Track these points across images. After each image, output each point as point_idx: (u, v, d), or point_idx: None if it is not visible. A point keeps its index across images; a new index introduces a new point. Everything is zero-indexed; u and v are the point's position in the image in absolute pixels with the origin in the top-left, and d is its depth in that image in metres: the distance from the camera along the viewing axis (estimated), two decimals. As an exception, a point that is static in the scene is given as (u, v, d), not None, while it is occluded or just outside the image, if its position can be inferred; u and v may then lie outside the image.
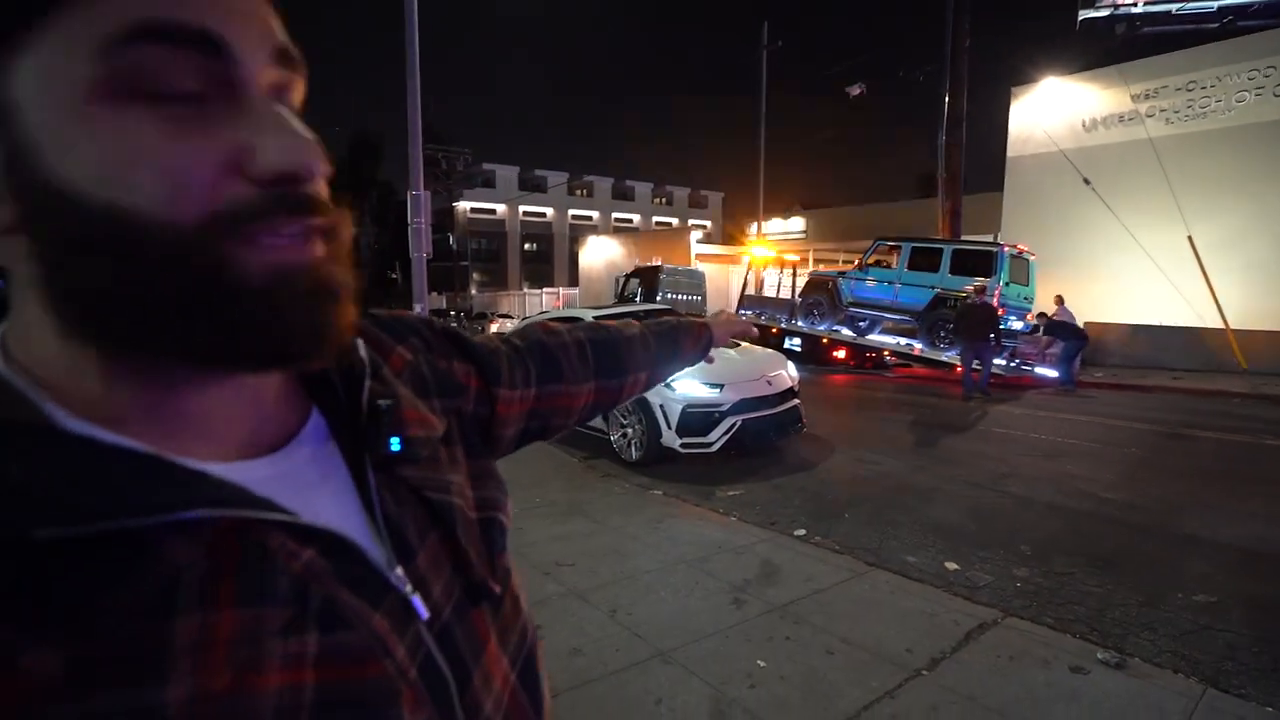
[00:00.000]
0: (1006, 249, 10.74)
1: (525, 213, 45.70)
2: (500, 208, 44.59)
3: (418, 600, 0.42)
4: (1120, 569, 3.62)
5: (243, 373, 0.37)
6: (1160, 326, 12.99)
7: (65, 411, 0.33)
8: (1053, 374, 10.53)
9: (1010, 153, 17.19)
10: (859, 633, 2.84)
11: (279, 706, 0.32)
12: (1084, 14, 17.10)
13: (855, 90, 17.06)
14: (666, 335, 0.87)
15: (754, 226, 23.44)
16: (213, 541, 0.33)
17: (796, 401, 6.17)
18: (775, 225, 30.37)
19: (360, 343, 0.47)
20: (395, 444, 0.45)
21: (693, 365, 0.95)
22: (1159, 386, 10.33)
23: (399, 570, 0.42)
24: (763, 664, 2.58)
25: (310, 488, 0.40)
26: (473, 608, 0.46)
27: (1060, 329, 10.66)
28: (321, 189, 0.36)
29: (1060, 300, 11.37)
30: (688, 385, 5.58)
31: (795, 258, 16.11)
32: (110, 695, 0.29)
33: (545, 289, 33.64)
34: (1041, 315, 11.11)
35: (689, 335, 0.90)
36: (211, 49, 0.32)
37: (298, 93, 0.38)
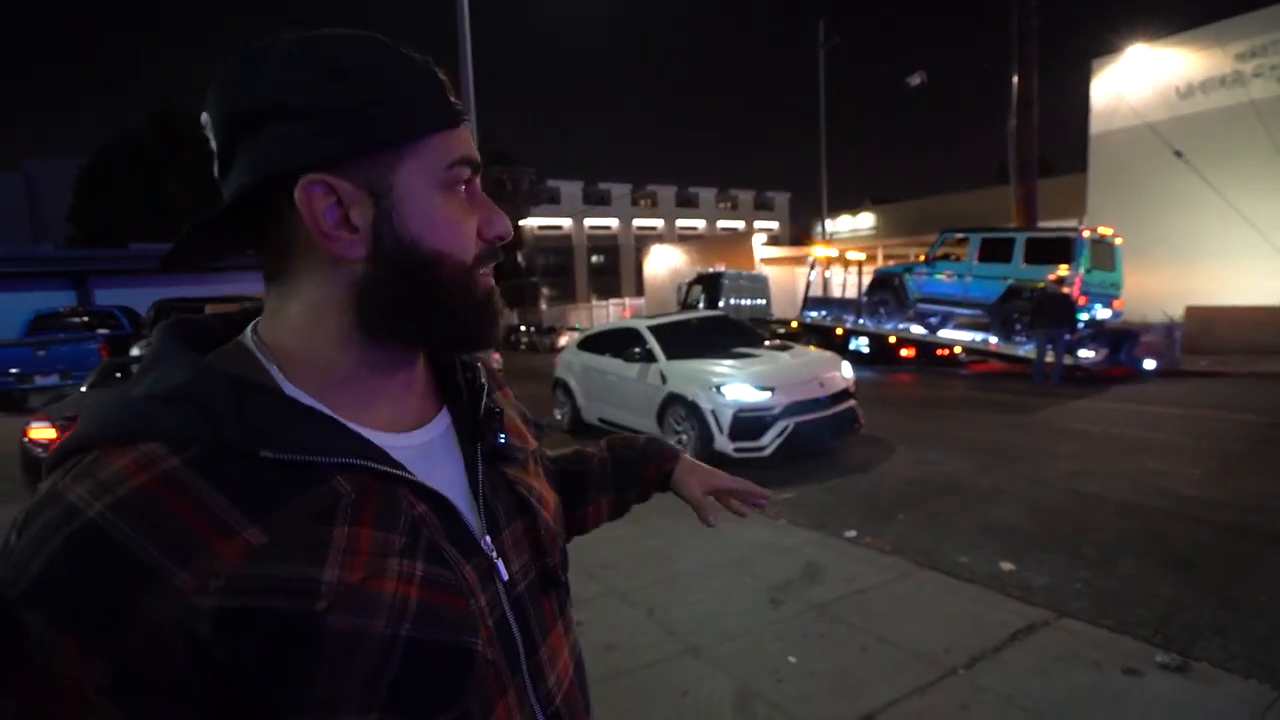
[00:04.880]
0: (1086, 233, 10.06)
1: (591, 226, 46.66)
2: (566, 222, 45.74)
3: (501, 565, 0.56)
4: (1197, 571, 3.39)
5: (456, 352, 0.60)
6: (1277, 308, 11.76)
7: (286, 380, 0.51)
8: (1150, 364, 9.80)
9: (1093, 129, 16.06)
10: (896, 632, 2.82)
11: (392, 607, 0.46)
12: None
13: (915, 80, 16.49)
14: (629, 461, 0.91)
15: (819, 226, 22.99)
16: (363, 483, 0.49)
17: (852, 403, 6.07)
18: (844, 223, 29.61)
19: (482, 369, 0.66)
20: (502, 438, 0.61)
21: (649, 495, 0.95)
22: (1273, 374, 9.37)
23: (488, 539, 0.56)
24: (793, 660, 2.62)
25: (432, 461, 0.55)
26: (544, 593, 0.60)
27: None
28: None
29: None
30: (738, 390, 5.62)
31: (860, 255, 15.69)
32: (291, 566, 0.44)
33: (612, 300, 34.14)
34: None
35: (654, 460, 0.92)
36: (477, 168, 0.55)
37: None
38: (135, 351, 8.62)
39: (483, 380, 0.63)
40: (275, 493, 0.45)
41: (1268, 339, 11.36)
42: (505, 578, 0.55)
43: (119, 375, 6.70)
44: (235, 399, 0.46)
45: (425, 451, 0.56)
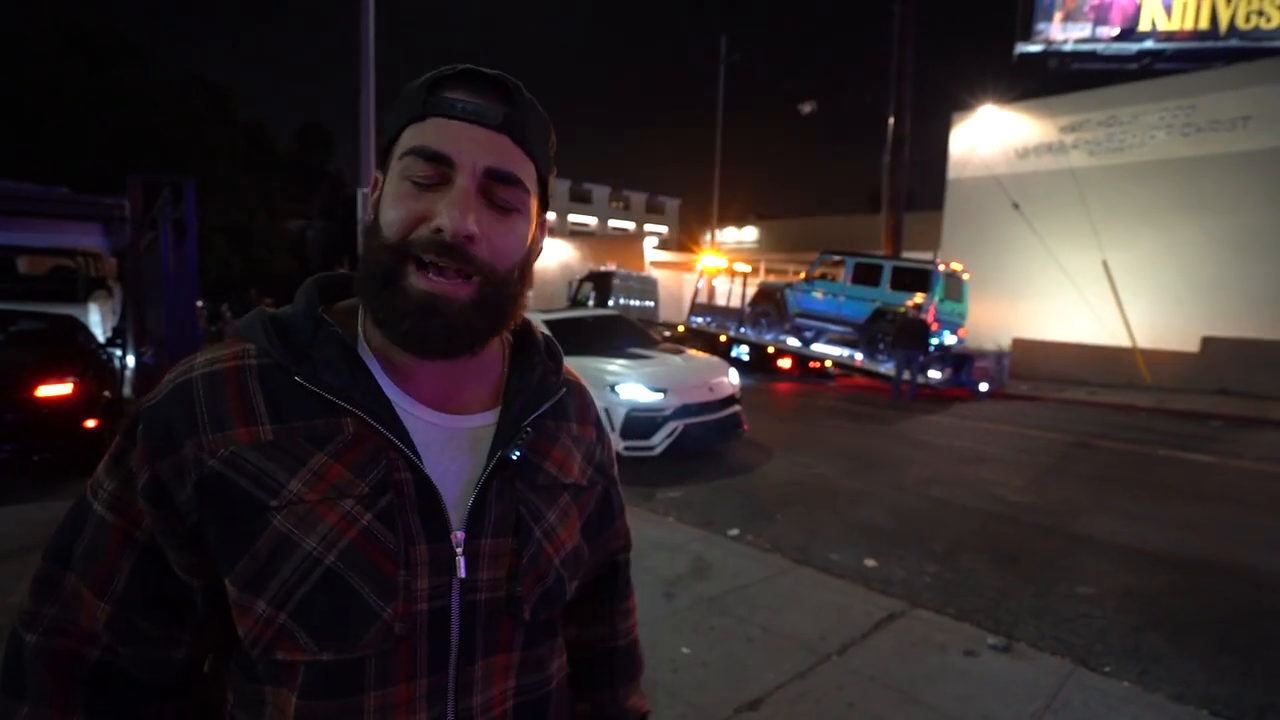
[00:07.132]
0: (941, 267, 11.32)
1: (481, 212, 45.06)
2: (456, 206, 43.71)
3: (462, 562, 0.58)
4: (1019, 564, 3.96)
5: (402, 349, 0.58)
6: (1080, 345, 13.91)
7: (365, 345, 0.61)
8: (984, 386, 11.21)
9: (950, 175, 18.05)
10: (779, 623, 3.06)
11: (326, 534, 0.54)
12: (1020, 48, 18.17)
13: (807, 108, 17.68)
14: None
15: (708, 235, 23.91)
16: (363, 432, 0.56)
17: (738, 408, 6.41)
18: (729, 234, 30.97)
19: (567, 391, 0.71)
20: (515, 454, 0.62)
21: None
22: (1074, 400, 11.08)
23: (461, 535, 0.58)
24: (687, 651, 2.77)
25: (447, 445, 0.60)
26: (506, 616, 0.60)
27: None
28: (482, 253, 0.56)
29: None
30: (632, 390, 5.75)
31: (746, 268, 16.52)
32: (274, 464, 0.54)
33: (499, 290, 33.24)
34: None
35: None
36: (444, 160, 0.56)
37: (512, 196, 0.58)
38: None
39: (550, 399, 0.67)
40: (299, 410, 0.56)
41: (1073, 370, 13.41)
42: (462, 574, 0.57)
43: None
44: (310, 336, 0.58)
45: (452, 436, 0.61)
